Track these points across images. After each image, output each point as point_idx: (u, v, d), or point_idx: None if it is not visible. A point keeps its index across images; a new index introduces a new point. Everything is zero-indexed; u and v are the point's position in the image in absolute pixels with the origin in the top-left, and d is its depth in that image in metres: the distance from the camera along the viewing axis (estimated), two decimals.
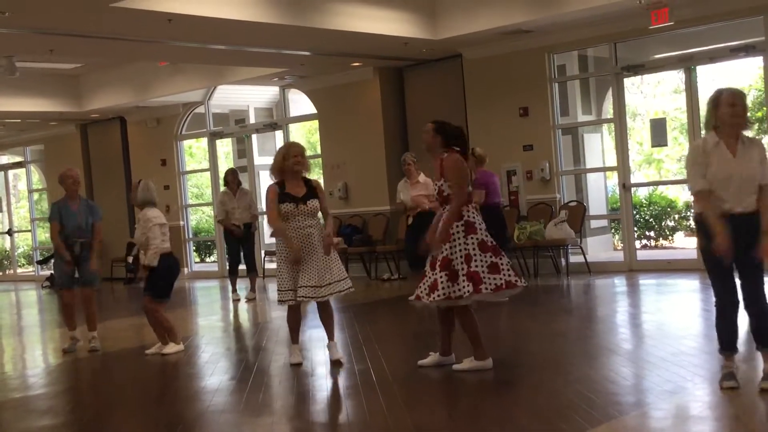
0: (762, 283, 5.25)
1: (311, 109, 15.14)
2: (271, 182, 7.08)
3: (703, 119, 12.33)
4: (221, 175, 16.27)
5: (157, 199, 8.11)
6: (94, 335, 8.68)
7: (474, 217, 6.11)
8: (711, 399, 5.16)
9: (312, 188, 6.92)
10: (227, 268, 13.09)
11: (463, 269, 6.00)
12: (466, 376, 6.06)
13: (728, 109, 5.13)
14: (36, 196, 21.08)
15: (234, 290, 12.35)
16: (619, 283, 11.12)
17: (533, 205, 12.57)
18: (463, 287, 6.00)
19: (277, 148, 7.30)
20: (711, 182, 5.10)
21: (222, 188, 12.73)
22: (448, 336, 6.39)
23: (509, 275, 6.06)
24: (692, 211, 5.31)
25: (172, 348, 8.00)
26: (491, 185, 9.87)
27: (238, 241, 12.36)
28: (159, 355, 7.92)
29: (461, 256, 6.02)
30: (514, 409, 5.22)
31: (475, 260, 5.99)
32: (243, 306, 11.68)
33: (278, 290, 6.90)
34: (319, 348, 7.50)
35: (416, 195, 10.38)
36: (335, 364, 6.85)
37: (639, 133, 18.96)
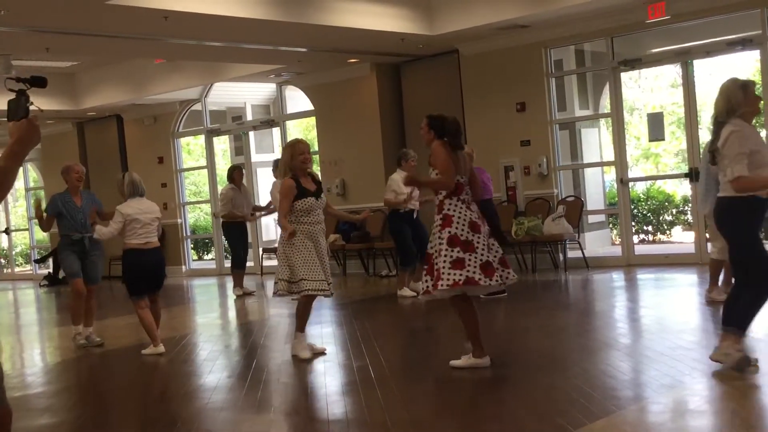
0: None
1: (308, 105, 15.12)
2: (275, 180, 7.14)
3: (700, 113, 12.22)
4: (219, 172, 16.30)
5: (134, 191, 7.86)
6: (90, 331, 8.71)
7: (454, 211, 6.00)
8: (709, 393, 5.16)
9: (318, 182, 7.18)
10: (231, 263, 12.99)
11: (436, 264, 6.00)
12: (464, 373, 6.06)
13: (756, 98, 5.30)
14: (33, 194, 21.05)
15: (236, 286, 12.33)
16: (617, 277, 11.12)
17: (531, 200, 12.57)
18: (426, 282, 6.05)
19: (280, 146, 7.37)
20: (760, 165, 5.11)
21: (224, 184, 12.67)
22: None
23: (473, 272, 5.88)
24: (731, 194, 5.23)
25: (148, 350, 7.91)
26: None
27: (241, 236, 12.41)
28: (156, 354, 7.89)
29: (436, 251, 6.02)
30: (512, 405, 5.22)
31: (443, 255, 5.94)
32: (242, 303, 11.67)
33: (304, 280, 6.89)
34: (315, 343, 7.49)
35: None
36: (322, 354, 7.12)
37: (636, 128, 18.97)
